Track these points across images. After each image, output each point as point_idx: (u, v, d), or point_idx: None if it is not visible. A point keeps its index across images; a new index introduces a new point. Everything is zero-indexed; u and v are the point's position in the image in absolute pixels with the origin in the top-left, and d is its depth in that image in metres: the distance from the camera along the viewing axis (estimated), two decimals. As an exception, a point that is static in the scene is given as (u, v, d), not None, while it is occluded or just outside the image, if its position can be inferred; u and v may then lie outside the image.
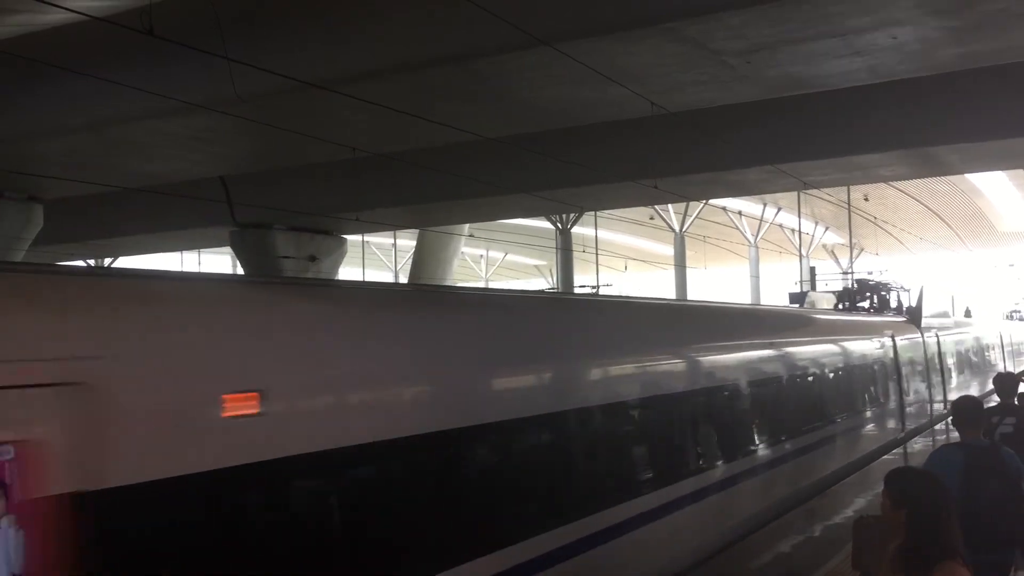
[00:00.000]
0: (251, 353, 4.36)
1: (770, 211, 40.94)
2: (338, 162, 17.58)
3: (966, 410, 5.99)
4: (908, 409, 17.44)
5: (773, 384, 10.89)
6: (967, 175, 34.32)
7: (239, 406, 4.06)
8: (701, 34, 11.97)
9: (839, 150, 18.02)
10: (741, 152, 17.31)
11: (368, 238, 42.28)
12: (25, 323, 3.51)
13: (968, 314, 36.09)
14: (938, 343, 21.05)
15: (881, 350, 16.33)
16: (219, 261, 46.27)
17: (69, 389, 3.39)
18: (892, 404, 16.41)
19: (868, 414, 15.02)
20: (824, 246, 48.36)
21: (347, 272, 37.07)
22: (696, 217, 36.44)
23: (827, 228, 45.60)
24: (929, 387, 19.58)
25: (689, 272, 36.47)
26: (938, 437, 16.56)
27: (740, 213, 40.31)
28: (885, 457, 14.88)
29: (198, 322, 4.26)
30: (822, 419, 12.51)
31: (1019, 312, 47.38)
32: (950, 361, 22.29)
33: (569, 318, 7.96)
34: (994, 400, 9.63)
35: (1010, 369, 29.22)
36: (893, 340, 17.25)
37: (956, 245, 51.44)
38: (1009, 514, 5.50)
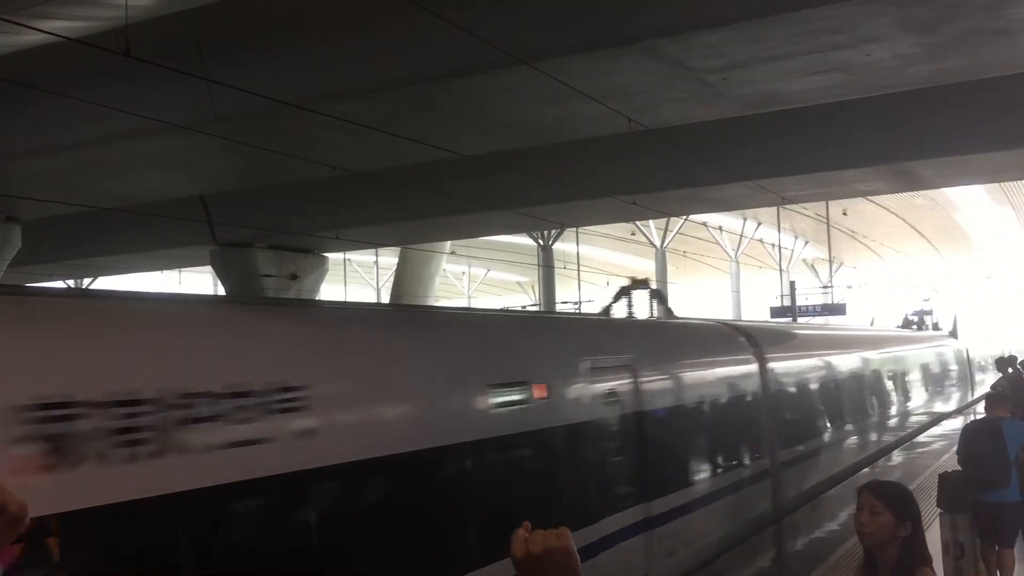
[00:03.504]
0: None
1: (750, 226, 41.16)
2: (318, 180, 17.56)
3: (991, 395, 9.39)
4: None
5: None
6: (944, 189, 34.62)
7: None
8: (679, 52, 12.06)
9: (817, 165, 18.15)
10: (720, 168, 17.40)
11: (350, 256, 42.21)
12: None
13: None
14: None
15: None
16: (200, 280, 46.03)
17: None
18: None
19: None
20: (804, 260, 48.67)
21: (329, 290, 36.99)
22: (677, 233, 36.57)
23: (807, 242, 45.90)
24: None
25: (671, 287, 36.57)
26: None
27: (721, 228, 40.51)
28: None
29: None
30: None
31: (926, 312, 29.22)
32: None
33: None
34: None
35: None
36: None
37: (934, 258, 51.88)
38: (993, 467, 8.12)
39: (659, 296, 13.59)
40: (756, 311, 38.07)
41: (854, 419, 15.46)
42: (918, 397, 21.22)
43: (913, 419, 20.18)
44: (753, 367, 11.21)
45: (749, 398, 10.99)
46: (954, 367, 26.40)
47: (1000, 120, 15.76)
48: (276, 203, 21.22)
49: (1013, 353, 22.85)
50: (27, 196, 16.75)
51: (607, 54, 12.05)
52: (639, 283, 13.23)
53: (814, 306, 34.24)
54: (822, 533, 11.39)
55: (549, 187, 17.06)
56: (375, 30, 12.68)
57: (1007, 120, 15.72)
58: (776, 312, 33.56)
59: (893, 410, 18.56)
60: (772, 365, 11.68)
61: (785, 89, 13.67)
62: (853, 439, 15.27)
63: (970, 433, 8.76)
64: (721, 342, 11.51)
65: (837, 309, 33.83)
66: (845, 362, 15.98)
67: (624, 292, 13.09)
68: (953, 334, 29.07)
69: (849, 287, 41.01)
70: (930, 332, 27.88)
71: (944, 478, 8.63)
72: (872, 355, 18.20)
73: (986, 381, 26.91)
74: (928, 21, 11.23)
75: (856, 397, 15.78)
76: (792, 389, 12.64)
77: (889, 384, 18.48)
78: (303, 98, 11.72)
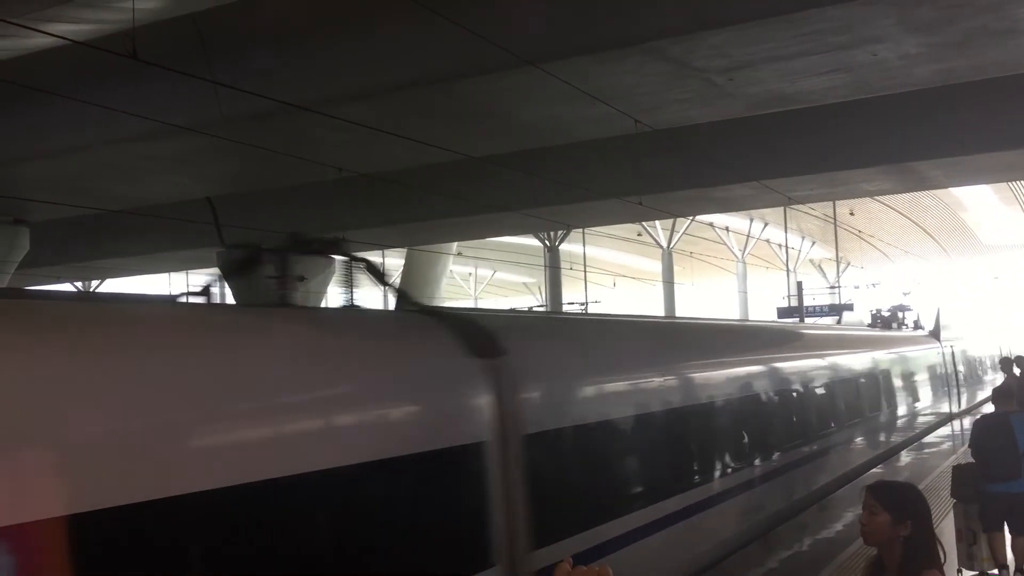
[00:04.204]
0: None
1: (757, 226, 41.08)
2: (325, 182, 17.61)
3: (998, 391, 9.68)
4: None
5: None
6: (951, 189, 34.50)
7: None
8: (685, 53, 12.07)
9: (823, 166, 18.13)
10: (726, 169, 17.40)
11: (356, 257, 42.23)
12: None
13: None
14: None
15: None
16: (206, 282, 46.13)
17: None
18: None
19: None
20: (811, 260, 48.57)
21: (336, 292, 37.04)
22: (683, 233, 36.49)
23: (814, 242, 45.81)
24: None
25: (677, 288, 36.54)
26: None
27: (727, 229, 40.42)
28: None
29: None
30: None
31: (905, 308, 24.63)
32: None
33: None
34: None
35: None
36: None
37: (941, 258, 51.74)
38: (1004, 460, 8.44)
39: (373, 271, 6.31)
40: (763, 311, 38.02)
41: (731, 472, 8.98)
42: (854, 427, 13.61)
43: (838, 464, 12.64)
44: (482, 399, 5.43)
45: (454, 455, 5.15)
46: (930, 373, 20.92)
47: (1007, 119, 15.74)
48: (283, 205, 21.28)
49: (1019, 354, 22.25)
50: (35, 199, 16.83)
51: (612, 55, 12.07)
52: (306, 244, 5.88)
53: (821, 306, 34.16)
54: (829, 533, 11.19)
55: (555, 188, 17.08)
56: (381, 32, 12.71)
57: (1014, 119, 15.69)
58: (783, 312, 33.49)
59: (806, 447, 11.18)
60: (536, 394, 6.04)
61: (791, 89, 13.67)
62: (722, 506, 8.58)
63: (980, 428, 9.10)
64: (365, 352, 5.18)
65: (845, 309, 33.74)
66: (723, 379, 9.36)
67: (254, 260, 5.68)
68: (935, 333, 23.74)
69: (856, 287, 40.86)
70: (903, 332, 22.75)
71: (957, 469, 9.05)
72: (787, 365, 11.29)
73: (989, 385, 23.57)
74: (932, 21, 11.22)
75: (737, 436, 9.26)
76: (585, 434, 6.48)
77: (807, 409, 11.51)
78: (309, 100, 11.74)
